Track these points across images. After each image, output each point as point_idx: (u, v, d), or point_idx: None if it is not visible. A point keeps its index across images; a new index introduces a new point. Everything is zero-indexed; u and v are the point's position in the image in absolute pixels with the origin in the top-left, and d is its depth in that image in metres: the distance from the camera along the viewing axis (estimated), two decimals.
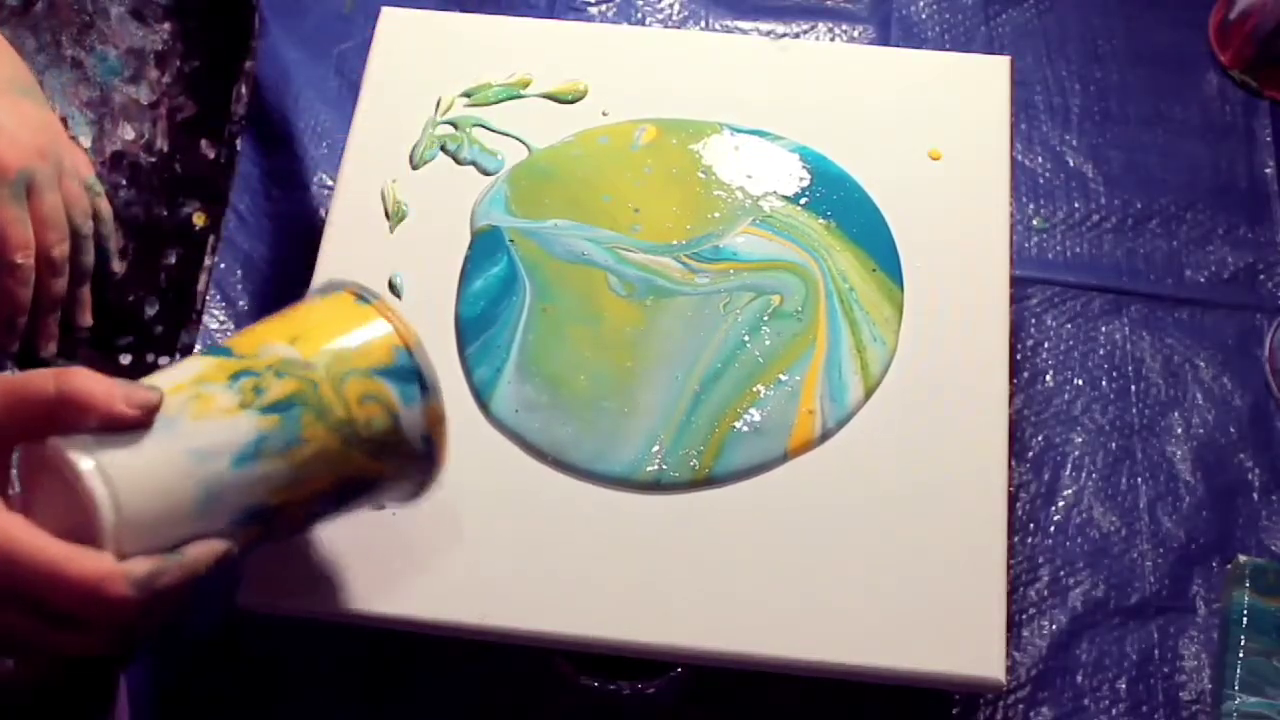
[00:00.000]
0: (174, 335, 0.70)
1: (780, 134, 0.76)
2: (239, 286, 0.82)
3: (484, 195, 0.74)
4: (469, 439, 0.66)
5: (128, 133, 0.68)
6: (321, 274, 0.70)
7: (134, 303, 0.69)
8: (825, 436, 0.67)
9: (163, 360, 0.70)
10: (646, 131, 0.77)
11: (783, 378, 0.69)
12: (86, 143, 0.66)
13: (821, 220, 0.73)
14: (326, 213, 0.74)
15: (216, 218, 0.74)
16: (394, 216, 0.72)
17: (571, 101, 0.75)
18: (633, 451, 0.67)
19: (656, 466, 0.66)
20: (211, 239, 0.73)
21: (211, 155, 0.72)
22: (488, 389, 0.69)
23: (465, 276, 0.72)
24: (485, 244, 0.73)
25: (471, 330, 0.71)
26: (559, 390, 0.69)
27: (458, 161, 0.74)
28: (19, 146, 0.58)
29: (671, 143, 0.76)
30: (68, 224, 0.62)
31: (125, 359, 0.69)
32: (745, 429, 0.67)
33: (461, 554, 0.63)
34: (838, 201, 0.74)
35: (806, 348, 0.70)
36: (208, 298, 0.76)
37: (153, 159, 0.69)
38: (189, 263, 0.72)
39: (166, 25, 0.70)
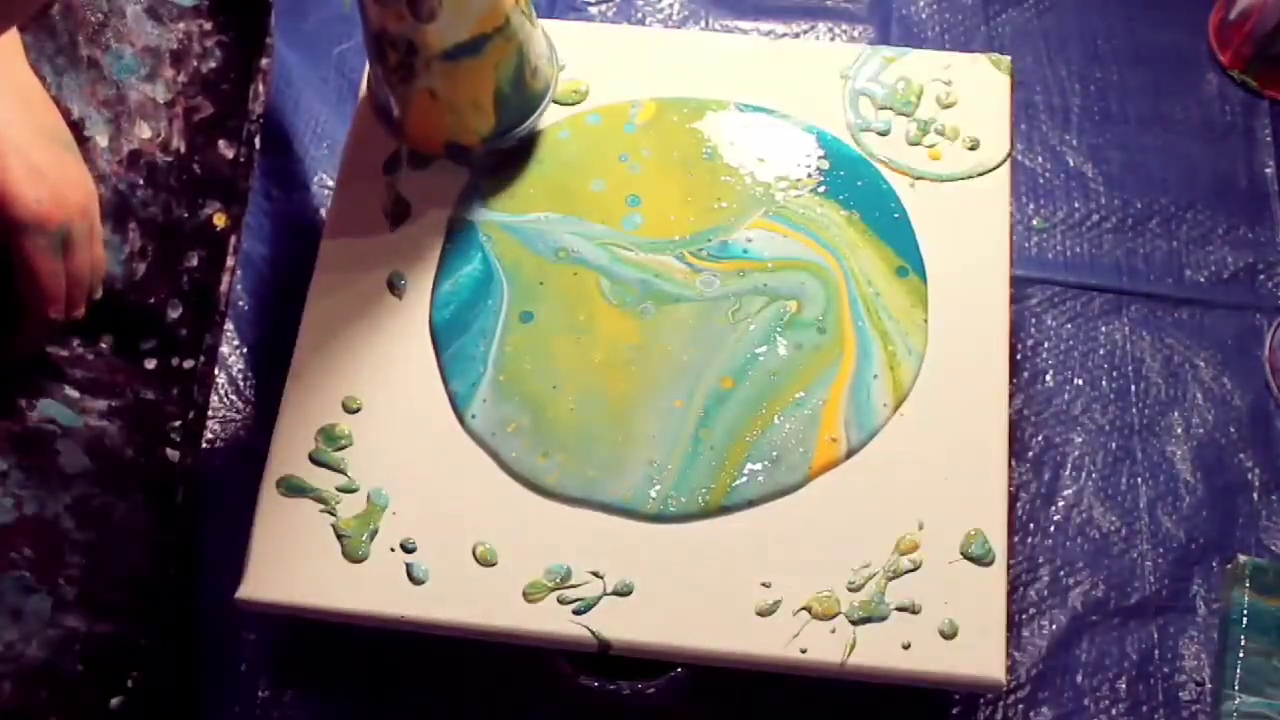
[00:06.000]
0: (198, 337, 0.70)
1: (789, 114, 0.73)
2: (239, 286, 0.82)
3: (464, 188, 0.72)
4: (461, 440, 0.66)
5: (144, 131, 0.68)
6: (321, 274, 0.70)
7: (156, 305, 0.69)
8: (847, 457, 0.64)
9: (187, 364, 0.69)
10: (643, 109, 0.73)
11: (800, 396, 0.65)
12: (103, 141, 0.66)
13: (842, 211, 0.70)
14: (326, 213, 0.74)
15: (237, 218, 0.73)
16: (394, 216, 0.72)
17: (572, 103, 0.75)
18: (629, 486, 0.63)
19: (659, 504, 0.63)
20: (233, 239, 0.73)
21: (230, 155, 0.72)
22: (464, 403, 0.66)
23: (437, 276, 0.70)
24: (458, 240, 0.70)
25: (444, 336, 0.67)
26: (541, 413, 0.65)
27: (457, 162, 0.73)
28: (62, 201, 0.58)
29: (672, 121, 0.73)
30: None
31: (150, 363, 0.68)
32: (759, 465, 0.64)
33: (460, 554, 0.63)
34: (858, 190, 0.70)
35: (830, 364, 0.66)
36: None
37: (169, 158, 0.69)
38: (211, 264, 0.71)
39: (182, 24, 0.70)
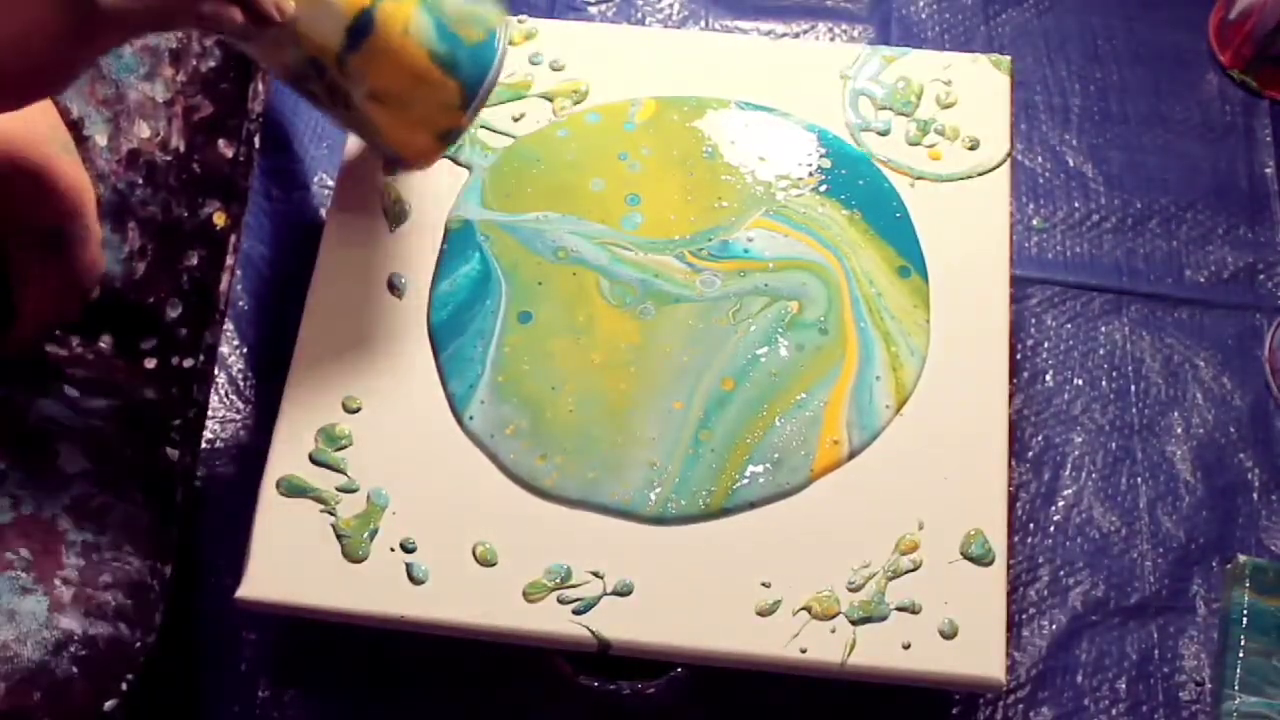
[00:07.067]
0: (198, 336, 0.70)
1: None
2: (239, 286, 0.82)
3: (462, 187, 0.72)
4: (461, 440, 0.66)
5: (143, 130, 0.67)
6: (321, 274, 0.70)
7: (155, 305, 0.68)
8: (848, 459, 0.64)
9: (187, 363, 0.69)
10: (643, 107, 0.73)
11: (802, 398, 0.65)
12: (103, 140, 0.66)
13: (844, 211, 0.70)
14: (326, 213, 0.74)
15: (237, 217, 0.73)
16: (394, 216, 0.72)
17: (573, 103, 0.75)
18: (629, 489, 0.63)
19: (659, 506, 0.63)
20: (233, 239, 0.73)
21: (230, 154, 0.72)
22: (462, 404, 0.65)
23: (435, 277, 0.69)
24: (456, 240, 0.69)
25: (442, 337, 0.67)
26: (540, 415, 0.65)
27: (457, 163, 0.73)
28: (56, 204, 0.58)
29: (672, 119, 0.72)
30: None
31: (150, 363, 0.68)
32: (760, 468, 0.63)
33: (460, 554, 0.63)
34: (860, 189, 0.70)
35: (832, 365, 0.65)
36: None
37: (169, 158, 0.68)
38: (210, 263, 0.71)
39: None
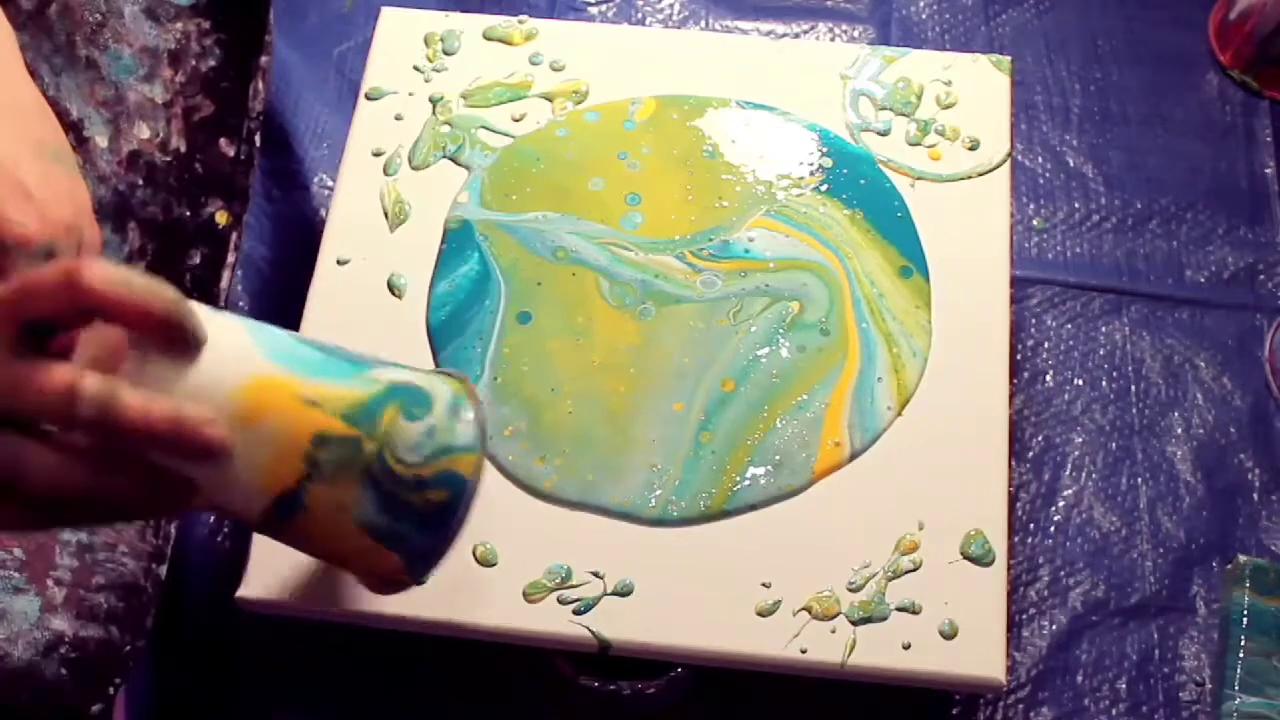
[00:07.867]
0: None
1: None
2: (239, 287, 0.82)
3: (462, 187, 0.72)
4: None
5: (143, 131, 0.68)
6: (321, 274, 0.70)
7: None
8: (849, 460, 0.64)
9: None
10: (643, 106, 0.73)
11: (803, 399, 0.65)
12: (103, 142, 0.66)
13: (845, 210, 0.70)
14: (326, 213, 0.74)
15: (239, 215, 0.73)
16: (394, 216, 0.72)
17: (573, 104, 0.75)
18: (629, 490, 0.63)
19: (660, 509, 0.63)
20: (234, 236, 0.73)
21: (231, 153, 0.72)
22: None
23: (434, 277, 0.69)
24: (455, 240, 0.69)
25: (441, 338, 0.67)
26: (539, 416, 0.65)
27: (457, 162, 0.73)
28: (47, 219, 0.58)
29: (672, 118, 0.72)
30: None
31: None
32: (761, 470, 0.63)
33: (460, 554, 0.63)
34: (861, 188, 0.70)
35: (833, 366, 0.65)
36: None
37: (169, 158, 0.69)
38: (212, 262, 0.71)
39: (179, 24, 0.70)
